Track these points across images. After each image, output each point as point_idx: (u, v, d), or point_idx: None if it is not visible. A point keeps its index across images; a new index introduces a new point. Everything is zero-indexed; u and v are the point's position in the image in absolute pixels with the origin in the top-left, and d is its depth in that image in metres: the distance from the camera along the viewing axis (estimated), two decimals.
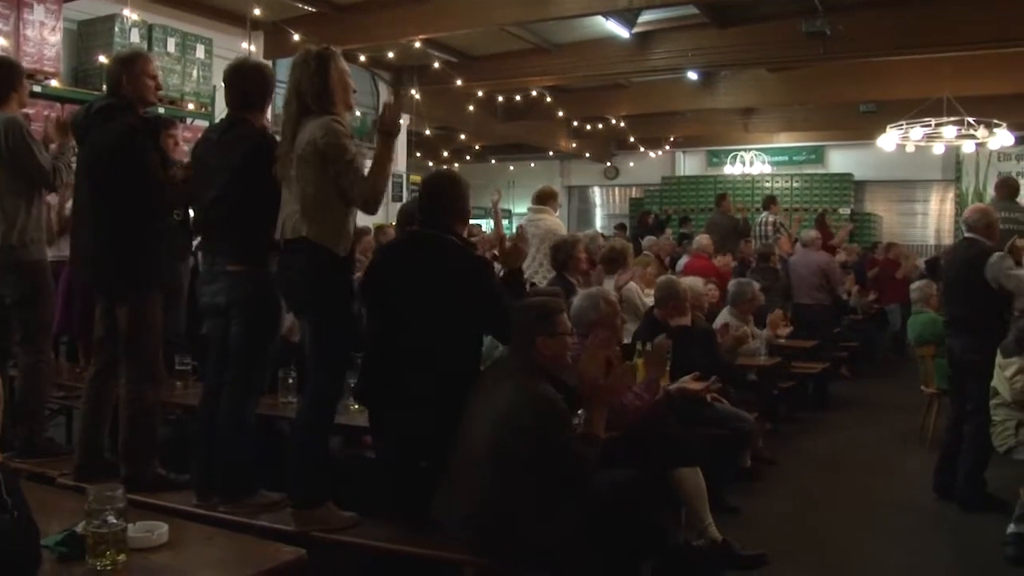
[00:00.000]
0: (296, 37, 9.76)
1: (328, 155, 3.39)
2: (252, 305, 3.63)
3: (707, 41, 11.05)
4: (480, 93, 13.41)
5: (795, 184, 17.97)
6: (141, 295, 3.88)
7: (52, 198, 5.46)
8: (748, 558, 4.38)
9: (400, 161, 13.34)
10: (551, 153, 18.72)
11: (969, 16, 9.48)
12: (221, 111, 4.58)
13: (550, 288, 5.29)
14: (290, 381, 4.43)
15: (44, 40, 7.53)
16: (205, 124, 8.12)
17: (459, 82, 12.29)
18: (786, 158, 18.80)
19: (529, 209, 7.38)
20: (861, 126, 15.13)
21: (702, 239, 9.45)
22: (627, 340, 5.30)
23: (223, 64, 4.26)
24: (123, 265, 3.86)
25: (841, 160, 18.36)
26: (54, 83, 7.69)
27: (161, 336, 3.98)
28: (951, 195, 17.67)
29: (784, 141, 18.29)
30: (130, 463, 3.83)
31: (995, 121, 12.26)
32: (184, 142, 6.45)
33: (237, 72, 3.84)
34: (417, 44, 11.00)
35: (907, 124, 12.23)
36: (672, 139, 18.37)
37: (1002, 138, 12.58)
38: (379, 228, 8.07)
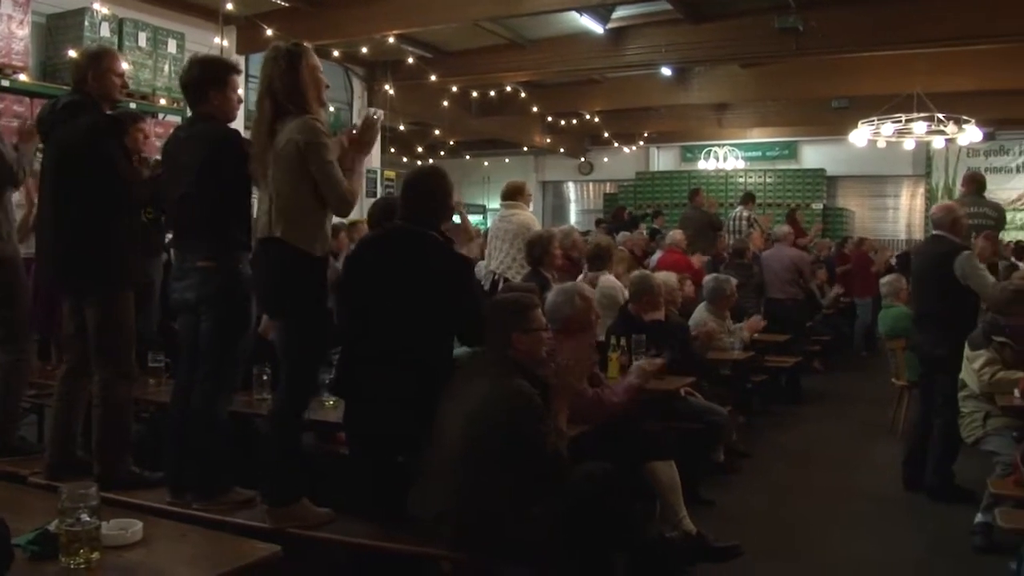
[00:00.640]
0: (269, 32, 9.72)
1: (308, 156, 3.39)
2: (222, 301, 3.62)
3: (681, 37, 11.11)
4: (454, 88, 13.38)
5: (768, 179, 18.13)
6: (110, 293, 3.86)
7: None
8: (722, 550, 4.40)
9: (375, 157, 13.29)
10: (525, 149, 18.74)
11: (939, 13, 9.60)
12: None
13: (525, 284, 5.29)
14: (264, 378, 4.41)
15: (12, 34, 7.42)
16: (177, 119, 8.06)
17: (433, 77, 12.27)
18: (759, 153, 18.94)
19: (501, 205, 7.35)
20: (833, 122, 15.25)
21: (675, 234, 9.48)
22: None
23: None
24: (91, 263, 3.83)
25: (814, 155, 18.52)
26: (22, 77, 7.58)
27: (133, 333, 3.95)
28: (921, 190, 17.88)
29: (757, 137, 18.43)
30: (103, 461, 3.80)
31: (964, 117, 12.43)
32: (156, 137, 6.39)
33: (187, 71, 3.84)
34: (391, 39, 10.99)
35: (878, 120, 12.36)
36: (646, 135, 18.45)
37: (971, 134, 12.77)
38: (352, 225, 8.02)
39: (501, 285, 6.41)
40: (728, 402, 6.07)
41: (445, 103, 13.75)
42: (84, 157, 3.79)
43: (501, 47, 12.13)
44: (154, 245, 5.13)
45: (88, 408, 3.95)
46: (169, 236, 4.64)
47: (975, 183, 7.79)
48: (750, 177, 18.16)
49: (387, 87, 12.82)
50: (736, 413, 6.51)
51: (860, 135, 12.77)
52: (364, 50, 11.86)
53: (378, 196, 11.64)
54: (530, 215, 7.19)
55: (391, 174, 14.35)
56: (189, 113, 3.97)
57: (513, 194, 7.21)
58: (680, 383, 5.26)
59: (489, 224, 12.29)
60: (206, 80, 3.73)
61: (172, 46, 8.88)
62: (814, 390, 9.31)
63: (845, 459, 6.75)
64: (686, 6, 10.48)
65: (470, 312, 3.63)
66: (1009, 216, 11.13)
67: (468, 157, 19.59)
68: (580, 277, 6.36)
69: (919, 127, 12.18)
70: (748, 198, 12.36)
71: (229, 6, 9.38)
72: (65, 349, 4.07)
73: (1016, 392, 4.58)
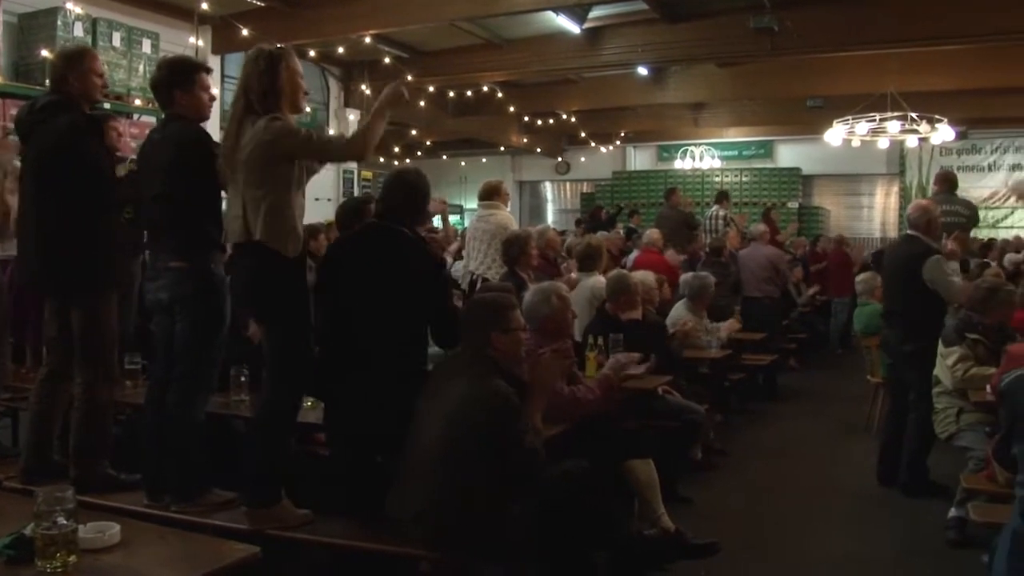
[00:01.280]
0: (245, 32, 9.67)
1: (285, 148, 3.38)
2: (195, 301, 3.60)
3: (657, 37, 11.15)
4: (431, 88, 13.36)
5: (744, 178, 18.23)
6: (96, 294, 3.83)
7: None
8: (701, 547, 4.43)
9: None
10: (502, 148, 18.74)
11: (913, 14, 9.69)
12: None
13: (501, 284, 5.30)
14: (242, 379, 4.40)
15: None
16: (152, 120, 8.00)
17: (410, 77, 12.22)
18: (735, 153, 19.05)
19: (479, 205, 7.35)
20: (808, 121, 15.36)
21: (652, 233, 9.50)
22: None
23: None
24: (76, 264, 3.79)
25: (789, 154, 18.64)
26: None
27: (116, 335, 3.93)
28: (896, 189, 18.05)
29: (733, 136, 18.52)
30: (81, 464, 3.77)
31: (937, 117, 12.56)
32: (131, 138, 6.34)
33: (156, 73, 3.83)
34: (367, 39, 10.96)
35: (853, 119, 12.46)
36: (623, 134, 18.51)
37: (944, 133, 12.90)
38: (330, 225, 8.00)
39: (479, 285, 6.41)
40: (705, 400, 6.10)
41: (422, 103, 13.71)
42: (66, 157, 3.76)
43: (478, 47, 12.13)
44: (134, 245, 5.10)
45: (65, 411, 3.92)
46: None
47: (947, 182, 7.86)
48: (726, 176, 18.26)
49: (364, 87, 12.78)
50: (713, 411, 6.54)
51: (835, 134, 12.87)
52: (341, 50, 11.83)
53: (356, 196, 11.60)
54: (508, 215, 7.19)
55: (368, 174, 14.34)
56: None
57: (491, 194, 7.20)
58: (658, 382, 5.28)
59: (467, 224, 12.28)
60: (172, 81, 3.72)
61: (147, 46, 8.81)
62: (790, 388, 9.37)
63: (821, 455, 6.81)
64: (662, 6, 10.52)
65: (444, 311, 3.65)
66: (981, 214, 11.24)
67: (445, 157, 19.57)
68: (571, 277, 6.39)
69: (893, 126, 12.29)
70: (722, 196, 12.41)
71: (204, 6, 9.32)
72: (48, 351, 4.02)
73: (988, 388, 4.63)
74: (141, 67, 8.71)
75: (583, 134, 17.72)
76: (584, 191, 20.52)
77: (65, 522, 2.23)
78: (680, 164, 19.06)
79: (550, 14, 10.59)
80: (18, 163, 4.28)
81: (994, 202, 16.77)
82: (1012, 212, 16.85)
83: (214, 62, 10.31)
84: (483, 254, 6.85)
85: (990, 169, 17.20)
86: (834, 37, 10.27)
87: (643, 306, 5.80)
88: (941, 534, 4.79)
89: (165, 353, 3.73)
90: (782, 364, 9.53)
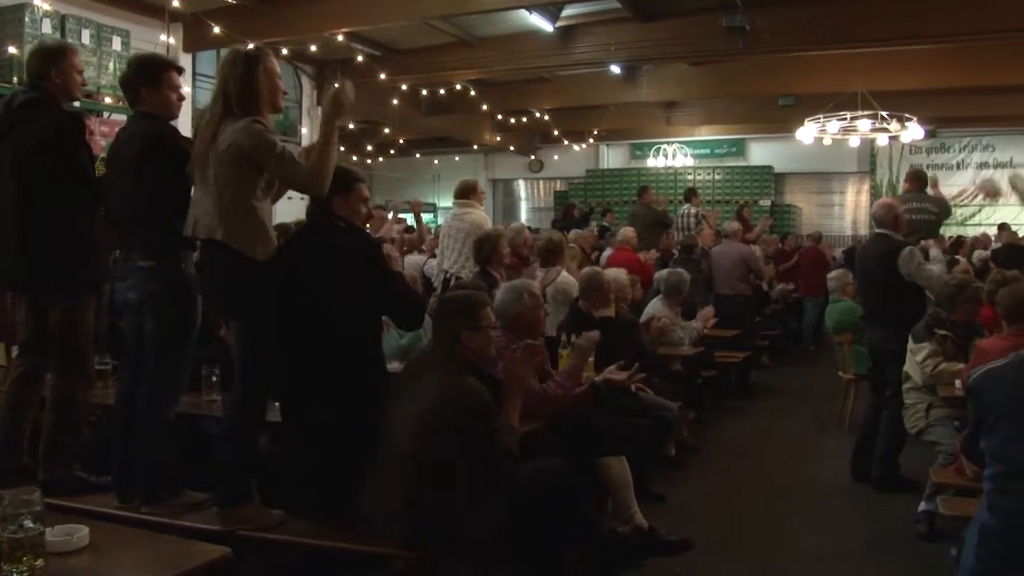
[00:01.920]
0: (216, 29, 9.60)
1: (257, 157, 3.37)
2: (164, 300, 3.57)
3: (629, 35, 11.20)
4: (404, 87, 13.33)
5: (717, 176, 18.32)
6: (76, 294, 3.79)
7: None
8: (674, 544, 4.46)
9: None
10: (475, 147, 18.73)
11: (882, 13, 9.78)
12: None
13: (473, 282, 5.30)
14: (213, 379, 4.37)
15: None
16: (123, 118, 7.91)
17: (383, 76, 12.20)
18: (708, 151, 19.14)
19: (454, 204, 7.35)
20: (780, 119, 15.46)
21: (626, 231, 9.52)
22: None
23: None
24: (58, 264, 3.75)
25: (761, 153, 18.76)
26: None
27: (92, 335, 3.89)
28: (866, 187, 18.22)
29: (706, 134, 18.61)
30: (51, 466, 3.73)
31: (907, 115, 12.68)
32: (101, 136, 6.27)
33: (124, 71, 3.82)
34: (340, 37, 10.92)
35: (824, 118, 12.55)
36: (596, 132, 18.54)
37: (913, 131, 13.03)
38: (300, 224, 7.95)
39: (453, 283, 6.40)
40: (678, 397, 6.12)
41: (395, 101, 13.68)
42: (50, 157, 3.71)
43: (451, 45, 12.12)
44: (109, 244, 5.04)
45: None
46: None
47: (918, 180, 7.94)
48: (699, 174, 18.35)
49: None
50: (686, 408, 6.57)
51: (806, 132, 12.97)
52: (313, 48, 11.77)
53: None
54: (483, 214, 7.19)
55: None
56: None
57: (466, 193, 7.20)
58: (630, 376, 5.28)
59: (440, 222, 12.26)
60: (140, 80, 3.70)
61: (117, 43, 8.69)
62: (763, 385, 9.44)
63: (793, 452, 6.86)
64: (634, 5, 10.57)
65: (391, 291, 3.65)
66: None
67: (418, 155, 19.52)
68: (539, 275, 6.39)
69: (863, 125, 12.39)
70: (691, 194, 12.43)
71: (175, 3, 9.26)
72: (21, 353, 3.96)
73: (957, 383, 4.68)
74: (111, 65, 8.58)
75: (556, 132, 17.72)
76: (557, 189, 20.53)
77: (32, 525, 2.20)
78: (653, 162, 19.13)
79: (523, 12, 10.60)
80: None
81: (962, 200, 16.94)
82: (980, 210, 17.04)
83: (185, 60, 10.23)
84: (457, 252, 6.84)
85: (959, 167, 17.41)
86: (805, 36, 10.34)
87: (616, 304, 5.82)
88: (911, 528, 4.85)
89: (135, 353, 3.70)
90: (755, 361, 9.58)
